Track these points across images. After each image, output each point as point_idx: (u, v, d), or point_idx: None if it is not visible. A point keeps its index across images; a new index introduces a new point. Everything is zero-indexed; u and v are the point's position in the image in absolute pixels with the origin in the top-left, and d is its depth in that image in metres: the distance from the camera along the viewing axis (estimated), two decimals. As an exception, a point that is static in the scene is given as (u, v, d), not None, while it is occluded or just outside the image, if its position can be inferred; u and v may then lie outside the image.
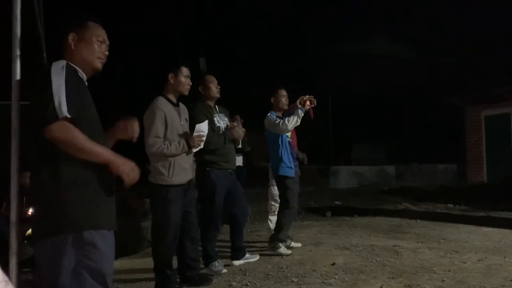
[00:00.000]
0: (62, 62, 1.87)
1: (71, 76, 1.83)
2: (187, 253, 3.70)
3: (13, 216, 1.94)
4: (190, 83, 3.62)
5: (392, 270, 4.04)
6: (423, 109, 15.20)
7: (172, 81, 3.55)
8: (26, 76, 2.02)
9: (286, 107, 4.94)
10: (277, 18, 15.51)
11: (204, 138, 3.57)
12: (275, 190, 5.45)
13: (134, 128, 2.08)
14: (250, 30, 15.38)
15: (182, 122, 3.59)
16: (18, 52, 2.02)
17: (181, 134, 3.53)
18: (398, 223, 6.73)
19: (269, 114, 4.87)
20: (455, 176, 13.98)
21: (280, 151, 4.76)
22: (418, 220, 6.90)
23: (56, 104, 1.72)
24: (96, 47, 2.00)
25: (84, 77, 1.98)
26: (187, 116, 3.74)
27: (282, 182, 4.83)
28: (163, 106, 3.46)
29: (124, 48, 13.67)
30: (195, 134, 3.53)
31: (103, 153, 1.83)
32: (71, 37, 1.96)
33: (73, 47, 1.96)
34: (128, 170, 1.85)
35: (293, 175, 4.82)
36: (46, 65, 1.90)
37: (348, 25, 14.96)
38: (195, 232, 3.74)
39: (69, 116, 1.73)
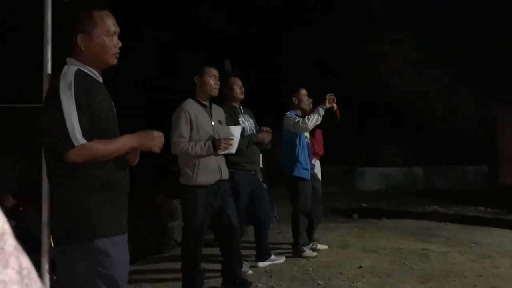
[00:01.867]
0: (70, 75, 1.76)
1: (80, 92, 1.74)
2: (227, 255, 3.70)
3: (44, 217, 1.99)
4: (218, 83, 3.59)
5: (421, 274, 3.95)
6: (452, 108, 14.84)
7: (198, 82, 3.56)
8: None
9: (307, 107, 4.87)
10: (299, 15, 15.43)
11: (233, 143, 3.50)
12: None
13: (159, 140, 1.96)
14: (271, 27, 15.33)
15: (213, 123, 3.57)
16: (49, 57, 2.07)
17: (210, 135, 3.51)
18: (427, 226, 6.59)
19: (288, 113, 4.81)
20: (485, 177, 13.58)
21: (296, 151, 4.67)
22: (448, 223, 6.73)
23: (70, 129, 1.68)
24: (107, 44, 1.86)
25: (98, 76, 1.89)
26: (221, 117, 3.70)
27: (295, 184, 4.72)
28: (189, 107, 3.47)
29: (157, 52, 13.89)
30: (223, 136, 3.50)
31: (124, 144, 1.83)
32: (79, 39, 1.83)
33: (83, 49, 1.83)
34: (154, 144, 1.89)
35: (308, 177, 4.74)
36: (55, 79, 1.80)
37: (374, 23, 14.74)
38: (233, 234, 3.67)
39: (84, 142, 1.71)
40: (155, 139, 1.89)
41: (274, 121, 4.66)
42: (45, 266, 1.97)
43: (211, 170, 3.47)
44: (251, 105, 4.54)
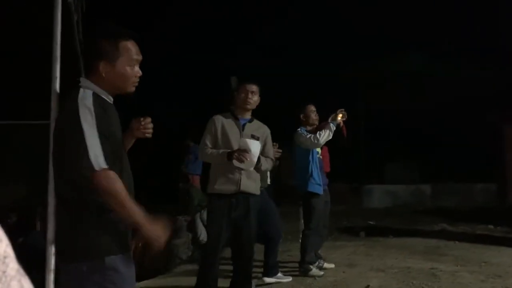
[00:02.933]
0: (88, 99, 1.75)
1: (100, 116, 1.74)
2: (237, 271, 3.71)
3: (50, 234, 1.98)
4: (252, 98, 3.66)
5: (430, 295, 3.87)
6: (459, 126, 14.78)
7: (234, 97, 3.75)
8: (64, 97, 2.05)
9: (315, 123, 4.89)
10: (308, 34, 15.58)
11: (249, 156, 3.47)
12: (307, 209, 5.37)
13: (147, 126, 2.06)
14: (280, 45, 15.49)
15: (242, 137, 3.61)
16: (57, 74, 2.09)
17: (233, 147, 3.55)
18: (435, 245, 6.49)
19: (299, 129, 4.83)
20: (494, 196, 13.43)
21: (310, 168, 4.69)
22: (457, 242, 6.62)
23: (92, 157, 1.67)
24: (129, 73, 1.87)
25: (112, 100, 1.89)
26: (257, 133, 3.70)
27: (308, 200, 4.73)
28: (218, 119, 3.66)
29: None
30: (239, 148, 3.51)
31: (138, 214, 1.76)
32: (102, 66, 1.82)
33: (103, 75, 1.82)
34: (156, 237, 1.79)
35: (322, 193, 4.75)
36: (72, 102, 1.77)
37: (380, 42, 14.84)
38: (248, 252, 3.67)
39: (107, 167, 1.69)
40: (160, 237, 1.81)
41: (282, 137, 4.67)
42: (51, 284, 1.95)
43: (229, 180, 3.51)
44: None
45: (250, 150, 3.49)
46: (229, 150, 3.50)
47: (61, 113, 1.89)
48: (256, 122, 3.78)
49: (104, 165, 1.68)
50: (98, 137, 1.70)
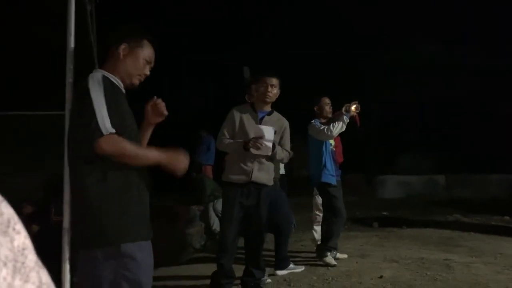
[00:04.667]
0: (98, 75, 1.89)
1: (108, 90, 1.86)
2: (248, 259, 3.77)
3: (65, 223, 2.01)
4: (272, 92, 3.68)
5: (444, 286, 3.85)
6: (474, 116, 14.56)
7: (254, 90, 3.78)
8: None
9: (329, 115, 4.91)
10: (318, 24, 15.42)
11: (263, 143, 3.51)
12: (319, 200, 5.37)
13: (160, 105, 2.10)
14: (293, 38, 15.38)
15: (254, 125, 3.66)
16: (71, 66, 2.10)
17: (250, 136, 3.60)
18: (449, 236, 6.44)
19: (313, 121, 4.85)
20: (509, 187, 13.24)
21: (323, 159, 4.74)
22: (471, 233, 6.56)
23: (99, 120, 1.75)
24: (141, 65, 2.02)
25: (122, 86, 2.00)
26: (275, 126, 3.70)
27: (325, 189, 4.80)
28: (238, 110, 3.70)
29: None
30: (253, 136, 3.54)
31: (153, 155, 1.90)
32: (123, 47, 1.98)
33: (121, 57, 1.98)
34: (179, 166, 1.94)
35: (336, 184, 4.78)
36: (83, 81, 1.90)
37: (393, 32, 14.63)
38: (256, 240, 3.74)
39: (113, 131, 1.77)
40: (182, 163, 1.96)
41: (295, 129, 4.66)
42: (67, 273, 1.98)
43: (242, 170, 3.57)
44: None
45: (264, 136, 3.53)
46: (240, 140, 3.55)
47: (74, 97, 1.98)
48: (275, 115, 3.80)
49: (111, 129, 1.76)
50: (106, 104, 1.79)
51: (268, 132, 3.57)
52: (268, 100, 3.71)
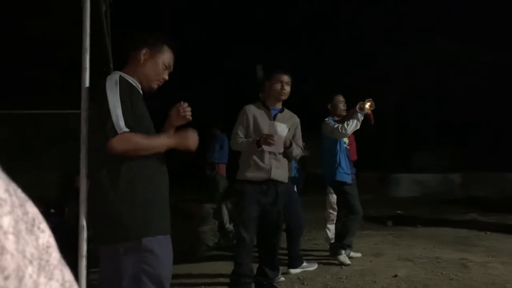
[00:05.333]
0: (115, 77, 1.94)
1: (125, 91, 1.91)
2: (262, 259, 3.75)
3: (82, 220, 2.03)
4: (286, 89, 3.69)
5: (460, 285, 3.81)
6: (490, 113, 14.33)
7: (267, 87, 3.76)
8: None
9: (343, 113, 4.89)
10: (334, 21, 15.33)
11: (276, 139, 3.50)
12: (333, 198, 5.35)
13: (185, 109, 2.17)
14: (307, 33, 15.32)
15: (267, 124, 3.66)
16: (87, 64, 2.13)
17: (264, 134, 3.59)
18: (465, 235, 6.36)
19: (326, 119, 4.83)
20: (527, 185, 13.00)
21: (338, 157, 4.72)
22: (488, 232, 6.47)
23: (114, 120, 1.81)
24: (160, 70, 2.09)
25: (140, 88, 2.05)
26: (288, 123, 3.71)
27: (340, 188, 4.77)
28: (250, 108, 3.69)
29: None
30: (266, 133, 3.54)
31: (164, 142, 1.97)
32: (143, 51, 2.05)
33: (141, 62, 2.05)
34: (189, 143, 2.02)
35: (350, 181, 4.76)
36: (100, 82, 1.97)
37: (408, 29, 14.47)
38: (273, 239, 3.73)
39: (127, 130, 1.82)
40: (191, 139, 2.04)
41: (308, 127, 4.66)
42: (83, 270, 2.01)
43: (260, 168, 3.57)
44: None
45: (276, 133, 3.52)
46: (256, 138, 3.54)
47: (91, 97, 2.04)
48: (287, 112, 3.81)
49: (125, 128, 1.81)
50: (121, 104, 1.84)
51: (282, 128, 3.58)
52: (282, 97, 3.71)
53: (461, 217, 7.98)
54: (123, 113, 1.83)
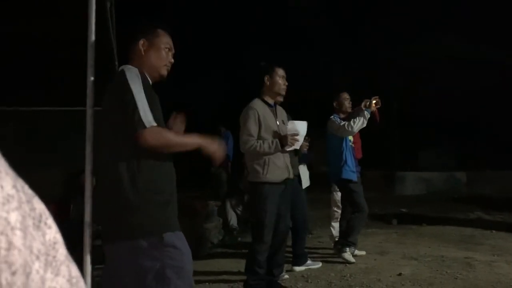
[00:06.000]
0: (134, 69, 1.94)
1: (145, 83, 1.91)
2: (271, 256, 3.69)
3: (87, 217, 2.04)
4: (286, 83, 3.65)
5: (465, 284, 3.79)
6: (497, 112, 14.24)
7: (268, 83, 3.62)
8: (100, 83, 2.11)
9: (349, 110, 4.88)
10: (339, 19, 15.27)
11: (299, 138, 3.52)
12: (337, 196, 5.35)
13: (180, 118, 2.19)
14: (312, 32, 15.28)
15: (278, 123, 3.64)
16: (92, 61, 2.13)
17: (275, 133, 3.55)
18: (471, 234, 6.33)
19: (332, 117, 4.81)
20: (534, 184, 12.92)
21: (344, 155, 4.71)
22: (493, 231, 6.43)
23: (142, 113, 1.80)
24: (164, 54, 2.07)
25: (150, 82, 2.04)
26: (284, 118, 3.77)
27: (346, 185, 4.76)
28: (257, 107, 3.55)
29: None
30: (288, 133, 3.52)
31: (193, 140, 1.98)
32: (141, 42, 2.04)
33: (143, 53, 2.04)
34: (216, 149, 2.02)
35: (355, 179, 4.75)
36: (119, 70, 1.97)
37: (413, 26, 14.39)
38: (283, 236, 3.73)
39: (155, 124, 1.83)
40: (220, 148, 2.05)
41: (313, 126, 4.66)
42: (88, 265, 2.02)
43: (279, 168, 3.52)
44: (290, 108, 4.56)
45: (297, 131, 3.52)
46: (278, 138, 3.47)
47: (108, 93, 1.98)
48: (279, 107, 3.78)
49: (153, 122, 1.81)
50: (146, 97, 1.84)
51: (303, 126, 3.59)
52: (283, 92, 3.66)
53: (466, 216, 7.94)
54: (150, 107, 1.83)
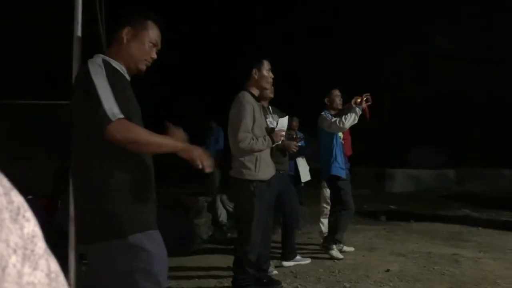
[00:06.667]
0: (98, 60, 1.80)
1: (111, 73, 1.77)
2: (260, 253, 3.64)
3: (72, 212, 2.02)
4: (272, 76, 3.57)
5: (452, 280, 3.83)
6: (486, 110, 14.38)
7: (256, 76, 3.49)
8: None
9: (340, 107, 4.90)
10: (334, 17, 15.29)
11: (283, 133, 3.54)
12: (327, 192, 5.36)
13: (176, 129, 1.99)
14: (305, 30, 15.29)
15: (266, 118, 3.64)
16: (78, 54, 2.10)
17: (265, 129, 3.52)
18: (458, 230, 6.39)
19: (323, 113, 4.83)
20: (522, 182, 13.07)
21: (334, 151, 4.72)
22: (480, 228, 6.51)
23: (106, 106, 1.67)
24: (146, 49, 1.92)
25: (125, 72, 1.90)
26: (275, 113, 3.81)
27: (335, 182, 4.78)
28: (251, 101, 3.42)
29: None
30: (277, 129, 3.51)
31: (170, 142, 1.82)
32: (125, 30, 1.89)
33: (124, 41, 1.89)
34: (200, 154, 1.82)
35: (345, 177, 4.76)
36: (82, 66, 1.83)
37: (405, 24, 14.44)
38: (268, 231, 3.74)
39: (122, 116, 1.69)
40: (203, 154, 1.84)
41: (306, 123, 4.67)
42: (72, 261, 2.00)
43: (268, 165, 3.49)
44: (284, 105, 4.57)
45: (285, 128, 3.54)
46: (267, 136, 3.41)
47: (73, 89, 1.89)
48: (264, 102, 3.81)
49: (119, 115, 1.68)
50: (110, 88, 1.71)
51: (285, 122, 3.61)
52: (269, 86, 3.62)
53: (454, 213, 8.02)
54: (115, 98, 1.69)
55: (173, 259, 4.73)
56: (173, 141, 1.83)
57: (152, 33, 1.94)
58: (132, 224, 1.75)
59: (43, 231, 0.48)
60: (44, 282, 0.46)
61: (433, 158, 14.92)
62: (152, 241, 1.78)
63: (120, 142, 1.69)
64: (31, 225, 0.46)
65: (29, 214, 0.46)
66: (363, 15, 15.07)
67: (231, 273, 3.71)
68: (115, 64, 1.86)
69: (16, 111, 4.39)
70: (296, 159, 5.57)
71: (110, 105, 1.67)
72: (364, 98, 4.64)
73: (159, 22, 1.97)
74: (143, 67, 1.94)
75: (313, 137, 5.15)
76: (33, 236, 0.46)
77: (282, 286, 3.79)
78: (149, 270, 1.74)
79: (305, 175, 5.72)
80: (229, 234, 5.99)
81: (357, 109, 4.56)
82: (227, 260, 4.13)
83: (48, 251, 0.48)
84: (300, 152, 4.68)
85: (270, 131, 3.51)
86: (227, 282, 3.82)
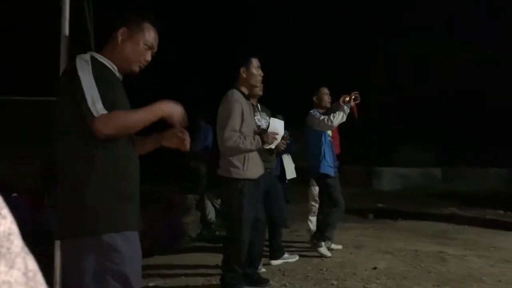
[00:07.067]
0: (86, 56, 1.78)
1: (98, 69, 1.75)
2: (251, 251, 3.62)
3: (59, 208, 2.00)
4: (262, 74, 3.51)
5: (438, 278, 3.88)
6: (473, 109, 14.56)
7: (244, 75, 3.45)
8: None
9: (328, 105, 4.91)
10: (322, 15, 15.32)
11: (278, 137, 3.48)
12: (315, 190, 5.38)
13: (187, 138, 1.99)
14: (295, 27, 15.29)
15: (256, 117, 3.61)
16: (66, 51, 2.08)
17: (255, 129, 3.48)
18: (444, 229, 6.47)
19: (312, 111, 4.84)
20: (506, 181, 13.28)
21: (322, 149, 4.73)
22: (466, 226, 6.60)
23: (90, 101, 1.66)
24: (141, 51, 1.89)
25: (116, 70, 1.88)
26: (265, 112, 3.76)
27: (324, 180, 4.79)
28: (240, 99, 3.37)
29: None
30: (269, 130, 3.48)
31: (154, 108, 1.81)
32: (121, 31, 1.86)
33: (118, 42, 1.86)
34: (173, 111, 1.84)
35: (333, 175, 4.78)
36: (70, 62, 1.81)
37: (394, 22, 14.54)
38: (262, 230, 3.72)
39: (105, 112, 1.67)
40: (175, 107, 1.86)
41: (292, 120, 4.68)
42: (58, 258, 1.98)
43: (257, 164, 3.45)
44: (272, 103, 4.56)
45: (277, 129, 3.51)
46: (256, 136, 3.36)
47: (59, 84, 1.85)
48: (253, 100, 3.77)
49: (102, 110, 1.66)
50: (95, 83, 1.69)
51: (282, 124, 3.59)
52: (259, 84, 3.57)
53: (440, 211, 8.11)
54: (100, 94, 1.67)
55: (161, 257, 4.73)
56: (155, 106, 1.82)
57: (148, 36, 1.91)
58: (108, 223, 1.71)
59: (28, 229, 0.47)
60: (21, 281, 0.44)
61: (420, 157, 15.06)
62: (127, 242, 1.74)
63: (112, 135, 1.69)
64: (8, 223, 0.45)
65: (5, 211, 0.45)
66: (349, 12, 15.12)
67: (219, 271, 3.71)
68: (105, 61, 1.84)
69: (3, 107, 4.33)
70: (282, 156, 5.57)
71: (94, 100, 1.66)
72: (353, 97, 4.67)
73: (157, 24, 1.95)
74: (136, 68, 1.92)
75: (298, 133, 5.15)
76: (9, 234, 0.45)
77: (270, 284, 3.80)
78: (120, 271, 1.71)
79: (290, 173, 5.72)
80: (217, 232, 5.98)
81: (345, 107, 4.58)
82: (216, 258, 4.13)
83: (26, 249, 0.47)
84: (286, 149, 4.67)
85: (262, 132, 3.48)
86: (215, 280, 3.81)
